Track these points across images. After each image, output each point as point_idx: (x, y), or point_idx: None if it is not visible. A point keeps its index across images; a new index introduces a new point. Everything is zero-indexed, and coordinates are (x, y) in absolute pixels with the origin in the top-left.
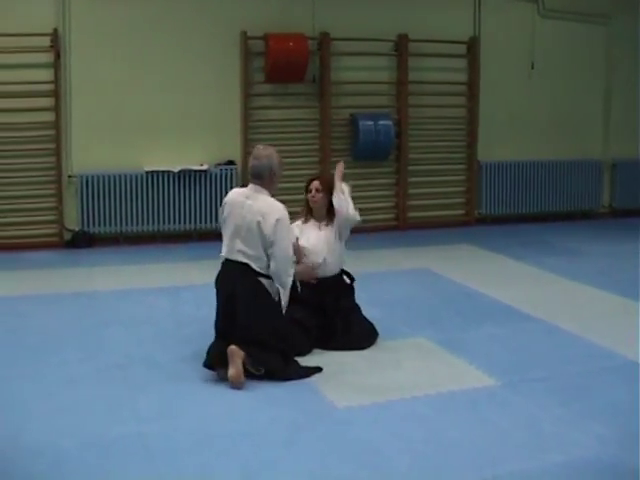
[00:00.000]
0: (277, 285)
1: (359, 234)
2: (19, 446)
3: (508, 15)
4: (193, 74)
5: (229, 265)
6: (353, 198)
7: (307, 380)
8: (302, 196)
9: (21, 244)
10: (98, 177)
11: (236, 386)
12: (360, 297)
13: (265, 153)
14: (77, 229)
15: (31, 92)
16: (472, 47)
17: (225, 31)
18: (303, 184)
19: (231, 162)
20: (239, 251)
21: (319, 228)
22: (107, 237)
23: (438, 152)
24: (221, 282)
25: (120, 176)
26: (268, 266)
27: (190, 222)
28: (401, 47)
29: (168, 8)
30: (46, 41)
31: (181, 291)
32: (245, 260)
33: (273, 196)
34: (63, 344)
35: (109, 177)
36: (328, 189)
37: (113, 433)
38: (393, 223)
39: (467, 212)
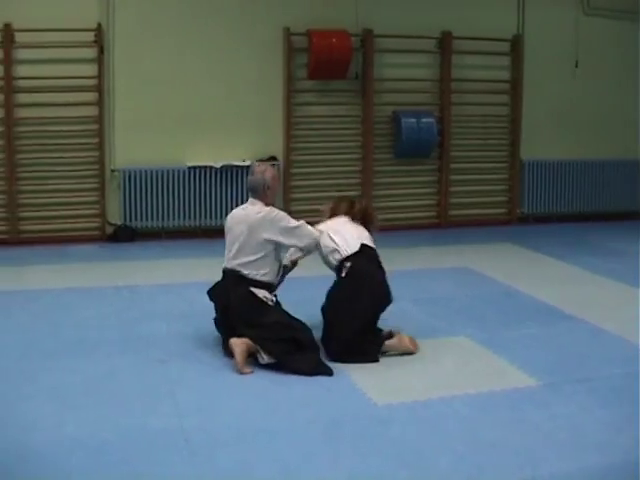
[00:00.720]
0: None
1: (400, 232)
2: (60, 437)
3: (552, 13)
4: (236, 70)
5: (225, 275)
6: (394, 196)
7: (347, 377)
8: (344, 193)
9: (64, 237)
10: (140, 172)
11: (244, 373)
12: (402, 295)
13: (259, 169)
14: (119, 223)
15: (75, 87)
16: (516, 45)
17: (268, 27)
18: (344, 180)
19: (273, 158)
20: (235, 261)
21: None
22: (149, 231)
23: (480, 150)
24: (216, 292)
25: (162, 171)
26: (266, 273)
27: None
28: (444, 44)
29: (212, 4)
30: (90, 36)
31: (202, 285)
32: (240, 269)
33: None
34: (104, 337)
35: (151, 172)
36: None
37: (153, 426)
38: (434, 221)
39: (509, 211)
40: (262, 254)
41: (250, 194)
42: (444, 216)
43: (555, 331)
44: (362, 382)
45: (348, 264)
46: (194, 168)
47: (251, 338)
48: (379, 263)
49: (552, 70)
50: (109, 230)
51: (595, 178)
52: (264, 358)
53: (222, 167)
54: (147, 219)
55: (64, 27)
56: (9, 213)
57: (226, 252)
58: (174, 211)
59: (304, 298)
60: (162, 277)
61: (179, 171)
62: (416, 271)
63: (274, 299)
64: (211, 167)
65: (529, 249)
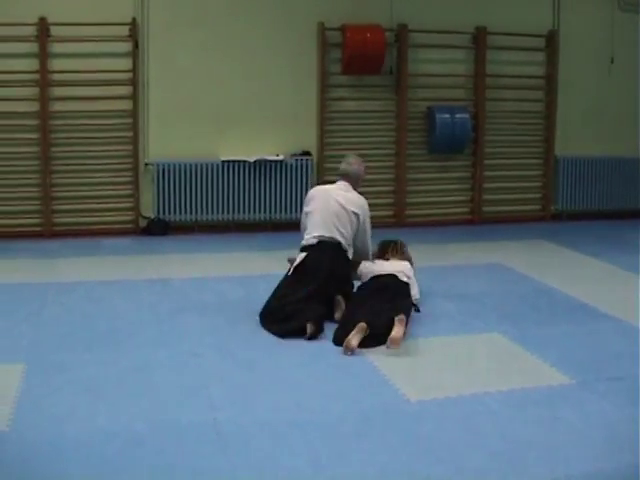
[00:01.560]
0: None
1: (433, 228)
2: (93, 428)
3: (588, 8)
4: (270, 64)
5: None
6: (428, 191)
7: (380, 373)
8: (377, 188)
9: (98, 230)
10: (174, 165)
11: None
12: (435, 291)
13: (357, 161)
14: (153, 217)
15: (110, 80)
16: (551, 41)
17: (302, 22)
18: (378, 175)
19: (307, 153)
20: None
21: None
22: (182, 225)
23: (515, 146)
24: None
25: (196, 165)
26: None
27: (265, 212)
28: (479, 40)
29: None
30: (125, 30)
31: (255, 280)
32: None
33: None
34: (137, 330)
35: (185, 165)
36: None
37: (186, 419)
38: (468, 217)
39: (543, 207)
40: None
41: (343, 179)
42: (478, 212)
43: (589, 329)
44: (395, 377)
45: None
46: (228, 162)
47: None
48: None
49: (587, 66)
50: (142, 223)
51: (630, 175)
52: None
53: (256, 161)
54: (180, 213)
55: (99, 21)
56: (43, 206)
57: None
58: (207, 205)
59: None
60: (195, 271)
61: (213, 165)
62: (449, 267)
63: (290, 268)
64: (245, 161)
65: (563, 246)
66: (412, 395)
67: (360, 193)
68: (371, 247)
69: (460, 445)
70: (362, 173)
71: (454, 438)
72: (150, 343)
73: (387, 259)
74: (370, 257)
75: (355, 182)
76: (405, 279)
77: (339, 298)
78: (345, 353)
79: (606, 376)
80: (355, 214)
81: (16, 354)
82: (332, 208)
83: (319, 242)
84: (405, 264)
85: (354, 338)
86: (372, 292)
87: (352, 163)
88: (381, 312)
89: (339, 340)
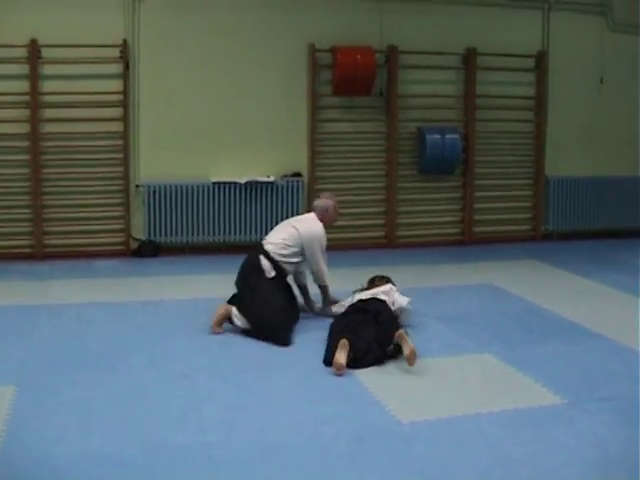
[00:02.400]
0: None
1: (424, 248)
2: (84, 451)
3: (577, 29)
4: (260, 86)
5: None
6: (418, 212)
7: (372, 394)
8: (368, 209)
9: (89, 252)
10: (165, 187)
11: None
12: (426, 312)
13: (326, 195)
14: (143, 238)
15: (101, 102)
16: (540, 61)
17: (293, 43)
18: (368, 197)
19: (298, 174)
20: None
21: None
22: (173, 247)
23: (505, 167)
24: None
25: (187, 186)
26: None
27: (256, 233)
28: (469, 60)
29: (236, 20)
30: (116, 52)
31: None
32: (267, 247)
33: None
34: (129, 352)
35: (176, 187)
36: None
37: (178, 442)
38: (459, 238)
39: (533, 227)
40: (293, 250)
41: (313, 209)
42: (468, 233)
43: (580, 349)
44: (386, 399)
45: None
46: (218, 184)
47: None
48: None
49: (577, 86)
50: (133, 245)
51: (621, 195)
52: (238, 323)
53: (246, 183)
54: (171, 234)
55: (90, 43)
56: (34, 227)
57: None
58: (198, 227)
59: None
60: (186, 292)
61: (203, 187)
62: (440, 288)
63: (272, 274)
64: (235, 183)
65: (554, 266)
66: (404, 416)
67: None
68: (324, 269)
69: (452, 466)
70: (329, 207)
71: (446, 459)
72: (141, 365)
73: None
74: (324, 279)
75: (321, 214)
76: (384, 297)
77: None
78: (335, 373)
79: (598, 396)
80: (296, 229)
81: (6, 376)
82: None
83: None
84: (385, 287)
85: (340, 356)
86: (353, 311)
87: (320, 197)
88: (363, 334)
89: (328, 361)
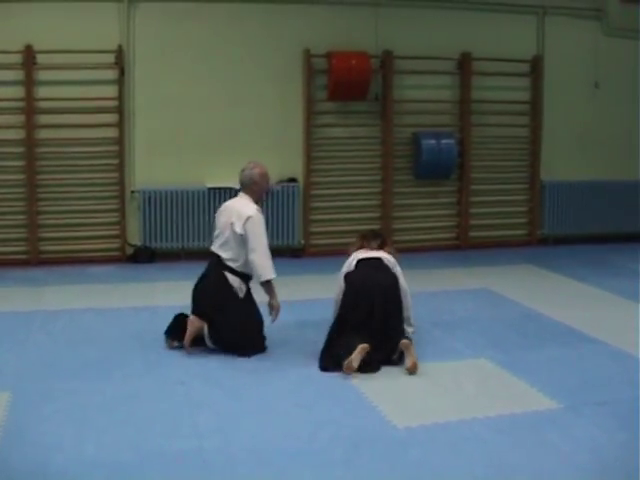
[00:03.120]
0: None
1: (420, 253)
2: (80, 458)
3: (572, 33)
4: (256, 91)
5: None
6: (414, 217)
7: (367, 399)
8: (364, 214)
9: (84, 258)
10: (160, 193)
11: (187, 350)
12: (421, 316)
13: (250, 166)
14: (139, 244)
15: (96, 108)
16: (535, 66)
17: (288, 49)
18: (364, 202)
19: (293, 179)
20: (217, 247)
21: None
22: (168, 253)
23: (501, 171)
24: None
25: (182, 192)
26: (243, 264)
27: None
28: (464, 65)
29: (232, 26)
30: (111, 58)
31: None
32: (220, 254)
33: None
34: (124, 359)
35: (171, 193)
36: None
37: (173, 448)
38: (454, 242)
39: (529, 232)
40: (239, 246)
41: (240, 188)
42: (464, 237)
43: (576, 353)
44: (382, 404)
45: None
46: (214, 189)
47: (209, 321)
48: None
49: (572, 91)
50: (129, 251)
51: (616, 199)
52: (210, 344)
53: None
54: (167, 240)
55: (85, 49)
56: (29, 234)
57: (214, 238)
58: (194, 232)
59: None
60: (182, 298)
61: (199, 192)
62: (436, 293)
63: (244, 289)
64: (231, 188)
65: (550, 271)
66: (399, 421)
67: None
68: (263, 259)
69: (448, 471)
70: (254, 177)
71: (442, 464)
72: (136, 371)
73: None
74: (265, 272)
75: (250, 191)
76: (389, 264)
77: (192, 319)
78: (345, 374)
79: (594, 400)
80: (234, 231)
81: (1, 383)
82: (221, 224)
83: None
84: (388, 257)
85: (355, 360)
86: (364, 316)
87: (245, 169)
88: (377, 344)
89: (333, 364)
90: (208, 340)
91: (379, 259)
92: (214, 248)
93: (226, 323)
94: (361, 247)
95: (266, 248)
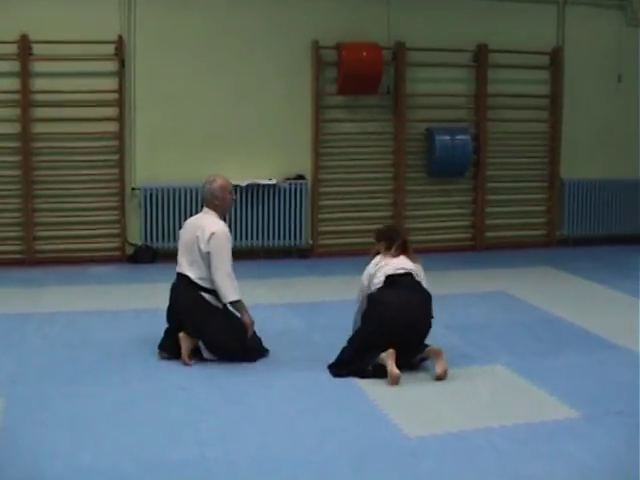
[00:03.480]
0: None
1: (433, 254)
2: (77, 467)
3: (594, 24)
4: (262, 84)
5: (178, 279)
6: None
7: (377, 407)
8: (374, 213)
9: (83, 258)
10: (162, 190)
11: (187, 364)
12: (435, 320)
13: (208, 179)
14: (140, 243)
15: (95, 101)
16: (555, 58)
17: (296, 40)
18: (375, 200)
19: (301, 177)
20: (185, 267)
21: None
22: (170, 252)
23: (518, 169)
24: (172, 294)
25: (185, 189)
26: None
27: (257, 239)
28: (480, 58)
29: (237, 16)
30: (110, 49)
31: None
32: (189, 275)
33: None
34: (124, 362)
35: (174, 190)
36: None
37: (174, 457)
38: (469, 243)
39: (548, 233)
40: (207, 264)
41: (203, 204)
42: (479, 238)
43: (597, 360)
44: (392, 412)
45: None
46: None
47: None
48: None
49: (594, 84)
50: (129, 251)
51: (639, 198)
52: (208, 356)
53: (247, 186)
54: (169, 239)
55: (83, 39)
56: (25, 232)
57: (178, 258)
58: None
59: None
60: None
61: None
62: (450, 296)
63: (219, 306)
64: (236, 186)
65: (569, 273)
66: (411, 430)
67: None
68: (225, 280)
69: None
70: (215, 191)
71: (455, 476)
72: (136, 376)
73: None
74: (228, 294)
75: (213, 206)
76: (420, 277)
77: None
78: (393, 384)
79: (615, 409)
80: (200, 250)
81: None
82: (186, 242)
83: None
84: (415, 266)
85: (394, 366)
86: (394, 340)
87: (204, 184)
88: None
89: (350, 371)
90: (205, 352)
91: (410, 274)
92: (181, 269)
93: (216, 337)
94: (387, 248)
95: (229, 268)
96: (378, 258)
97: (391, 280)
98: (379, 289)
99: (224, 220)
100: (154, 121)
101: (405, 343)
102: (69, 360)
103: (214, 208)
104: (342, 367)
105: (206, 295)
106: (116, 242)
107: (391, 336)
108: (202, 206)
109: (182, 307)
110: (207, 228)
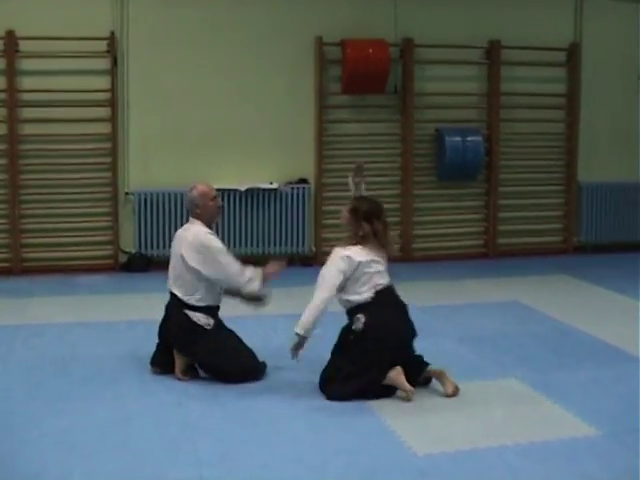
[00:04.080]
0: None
1: (444, 262)
2: None
3: (613, 19)
4: (262, 83)
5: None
6: (437, 222)
7: (384, 423)
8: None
9: (73, 266)
10: (157, 195)
11: (182, 379)
12: (446, 332)
13: (190, 187)
14: (133, 251)
15: (86, 101)
16: (572, 55)
17: (298, 36)
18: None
19: (304, 180)
20: (171, 283)
21: None
22: (166, 261)
23: (533, 172)
24: (165, 310)
25: (181, 194)
26: (200, 298)
27: (257, 246)
28: (493, 54)
29: (235, 11)
30: (102, 45)
31: (246, 322)
32: (176, 292)
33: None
34: (116, 378)
35: (169, 195)
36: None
37: (170, 477)
38: (482, 250)
39: (565, 239)
40: (194, 278)
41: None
42: (492, 245)
43: (617, 374)
44: (401, 429)
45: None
46: (216, 191)
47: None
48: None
49: (613, 83)
50: (122, 259)
51: None
52: (204, 374)
53: (247, 190)
54: (164, 247)
55: (73, 35)
56: (11, 239)
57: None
58: None
59: None
60: None
61: None
62: (461, 306)
63: (211, 323)
64: (235, 190)
65: (587, 282)
66: (420, 448)
67: None
68: (235, 276)
69: None
70: (195, 200)
71: None
72: (130, 392)
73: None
74: (242, 282)
75: (196, 215)
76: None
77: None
78: (408, 400)
79: (635, 427)
80: (186, 265)
81: None
82: (173, 256)
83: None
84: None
85: (403, 382)
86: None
87: (187, 194)
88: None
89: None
90: (201, 371)
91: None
92: (169, 285)
93: (206, 359)
94: (373, 232)
95: (235, 265)
96: (358, 253)
97: (381, 298)
98: (371, 303)
99: (210, 228)
100: (149, 122)
101: (404, 358)
102: (58, 375)
103: (198, 217)
104: (341, 387)
105: (194, 314)
106: (108, 250)
107: (392, 351)
108: None
109: (170, 327)
110: (193, 240)
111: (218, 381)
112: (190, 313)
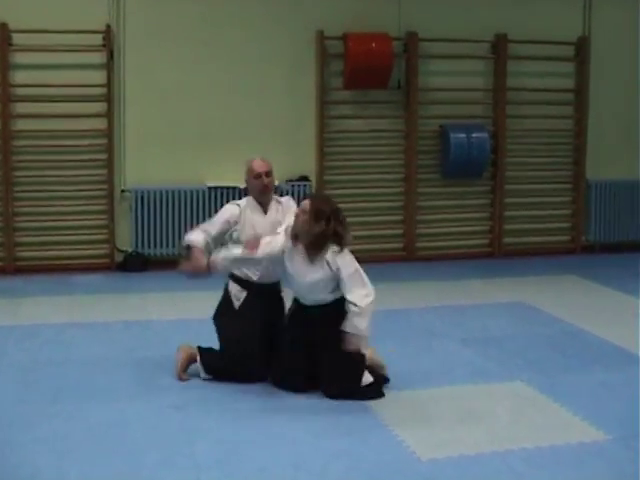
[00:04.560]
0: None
1: (448, 262)
2: None
3: (623, 12)
4: (262, 78)
5: None
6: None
7: (387, 427)
8: (384, 217)
9: (68, 266)
10: (154, 192)
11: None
12: (450, 333)
13: None
14: (130, 250)
15: (82, 96)
16: (581, 49)
17: (299, 30)
18: (385, 203)
19: (304, 178)
20: None
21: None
22: (163, 260)
23: (540, 169)
24: None
25: (179, 192)
26: None
27: None
28: (499, 49)
29: (235, 4)
30: (98, 39)
31: None
32: None
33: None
34: (112, 380)
35: (167, 192)
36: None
37: None
38: (487, 250)
39: (572, 238)
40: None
41: None
42: (498, 244)
43: (625, 377)
44: (404, 433)
45: None
46: (215, 189)
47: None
48: None
49: (623, 77)
50: (118, 258)
51: None
52: (203, 374)
53: (246, 188)
54: (161, 246)
55: (68, 28)
56: (5, 238)
57: None
58: None
59: None
60: (177, 311)
61: (198, 192)
62: (466, 307)
63: (241, 298)
64: (234, 188)
65: (595, 282)
66: (423, 453)
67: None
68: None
69: None
70: (245, 174)
71: None
72: (126, 394)
73: None
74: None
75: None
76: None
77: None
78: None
79: None
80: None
81: None
82: None
83: None
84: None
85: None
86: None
87: None
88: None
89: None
90: (202, 373)
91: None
92: None
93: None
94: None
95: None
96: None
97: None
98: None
99: (261, 205)
100: (146, 118)
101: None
102: (53, 377)
103: (249, 193)
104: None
105: (230, 283)
106: (104, 248)
107: None
108: (203, 208)
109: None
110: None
111: (215, 379)
112: (230, 282)
